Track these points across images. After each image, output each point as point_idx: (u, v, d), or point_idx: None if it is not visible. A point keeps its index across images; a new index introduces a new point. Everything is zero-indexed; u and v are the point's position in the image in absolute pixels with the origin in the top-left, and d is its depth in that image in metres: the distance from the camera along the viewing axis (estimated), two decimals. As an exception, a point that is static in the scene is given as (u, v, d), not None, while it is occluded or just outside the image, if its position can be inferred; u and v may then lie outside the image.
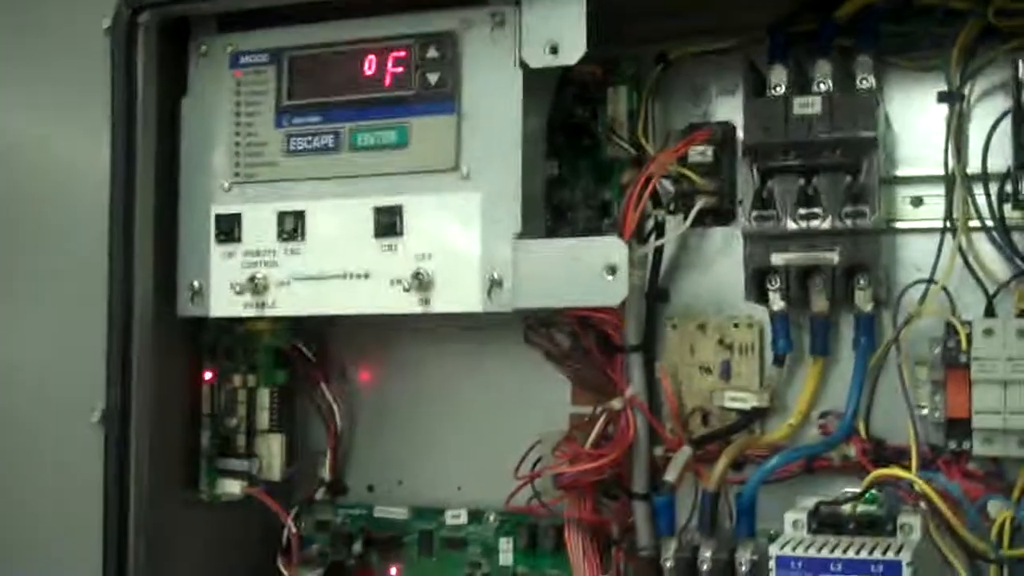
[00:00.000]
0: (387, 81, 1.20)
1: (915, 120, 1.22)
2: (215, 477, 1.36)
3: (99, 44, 1.24)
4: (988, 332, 1.10)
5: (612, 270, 1.09)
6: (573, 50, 1.11)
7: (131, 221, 1.23)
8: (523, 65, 1.14)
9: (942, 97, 1.17)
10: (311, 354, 1.43)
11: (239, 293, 1.23)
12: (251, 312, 1.24)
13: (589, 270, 1.10)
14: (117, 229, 1.23)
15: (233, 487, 1.36)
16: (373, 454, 1.46)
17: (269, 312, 1.24)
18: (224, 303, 1.25)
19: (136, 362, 1.23)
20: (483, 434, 1.39)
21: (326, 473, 1.44)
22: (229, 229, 1.25)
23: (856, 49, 1.19)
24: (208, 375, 1.37)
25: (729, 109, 1.29)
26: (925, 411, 1.15)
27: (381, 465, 1.45)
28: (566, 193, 1.32)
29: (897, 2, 1.17)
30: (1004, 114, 1.11)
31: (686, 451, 1.21)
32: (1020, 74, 1.03)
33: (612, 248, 1.10)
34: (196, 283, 1.26)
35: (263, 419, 1.39)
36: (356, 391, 1.47)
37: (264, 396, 1.39)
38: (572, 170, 1.32)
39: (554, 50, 1.12)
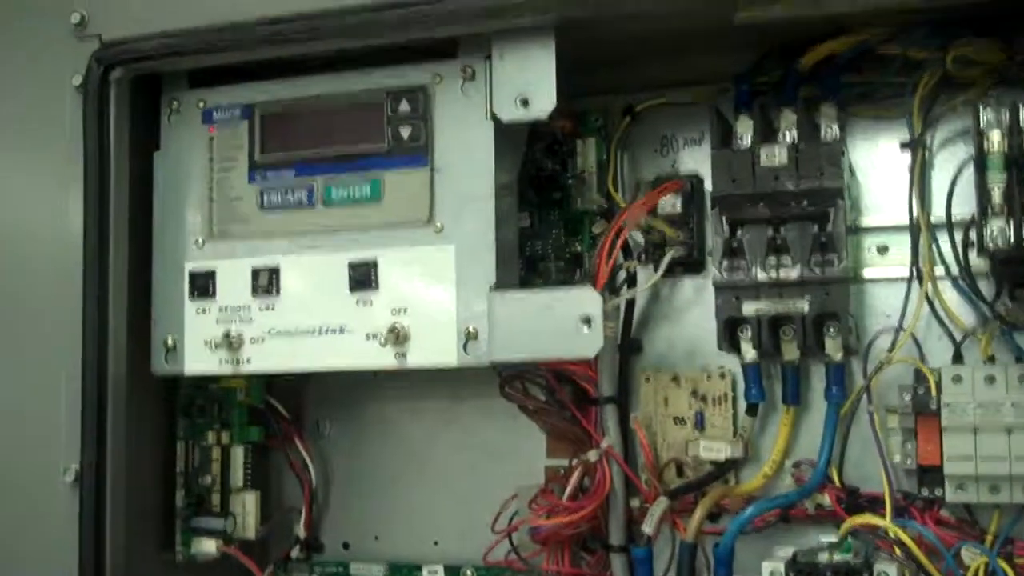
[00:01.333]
0: (360, 135, 1.21)
1: (879, 169, 1.25)
2: (190, 536, 1.35)
3: (70, 99, 1.25)
4: (957, 379, 1.12)
5: (587, 321, 1.10)
6: (544, 104, 1.13)
7: (104, 278, 1.23)
8: (495, 119, 1.15)
9: (905, 146, 1.19)
10: (285, 410, 1.43)
11: (214, 350, 1.23)
12: (226, 369, 1.24)
13: (564, 322, 1.11)
14: (91, 286, 1.22)
15: (208, 546, 1.34)
16: (349, 510, 1.45)
17: (244, 369, 1.23)
18: (199, 360, 1.25)
19: (111, 421, 1.23)
20: (459, 488, 1.39)
21: (301, 530, 1.43)
22: (203, 285, 1.25)
23: (820, 99, 1.21)
24: (182, 433, 1.36)
25: (697, 159, 1.31)
26: (897, 458, 1.16)
27: (357, 521, 1.44)
28: (538, 245, 1.34)
29: (858, 52, 1.19)
30: (966, 162, 1.13)
31: (663, 502, 1.21)
32: (981, 123, 1.05)
33: (587, 299, 1.10)
34: (170, 340, 1.26)
35: (237, 477, 1.39)
36: (331, 447, 1.46)
37: (238, 453, 1.39)
38: (543, 222, 1.34)
39: (525, 103, 1.13)
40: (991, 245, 1.04)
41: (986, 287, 1.16)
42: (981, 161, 1.05)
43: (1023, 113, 1.05)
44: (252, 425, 1.40)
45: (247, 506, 1.38)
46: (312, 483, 1.43)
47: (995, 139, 1.04)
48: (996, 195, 1.04)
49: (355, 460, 1.45)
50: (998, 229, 1.04)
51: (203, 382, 1.36)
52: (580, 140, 1.32)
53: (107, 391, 1.23)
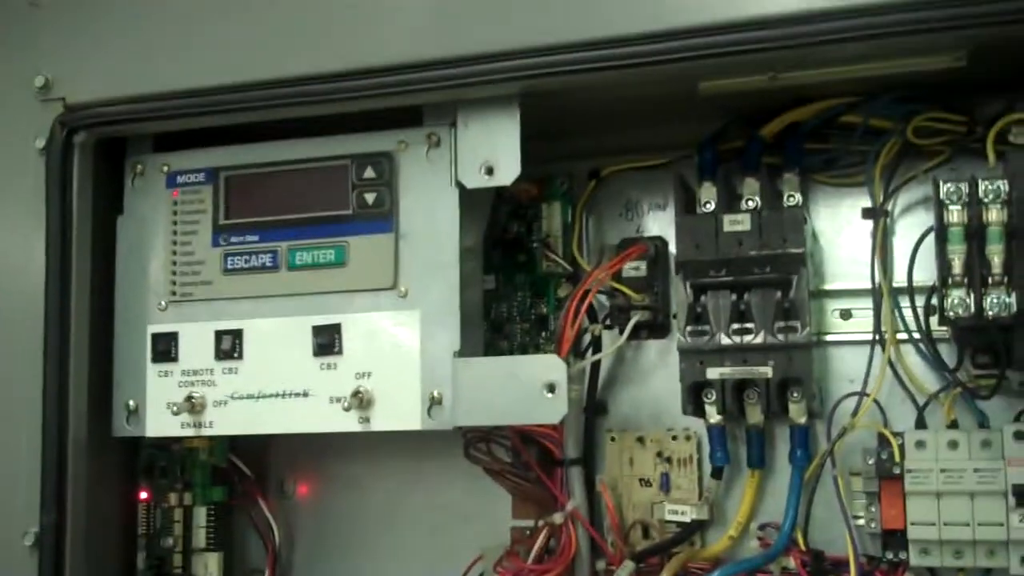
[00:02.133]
0: (325, 201, 1.21)
1: (841, 235, 1.26)
2: (151, 600, 1.33)
3: (33, 162, 1.24)
4: (920, 444, 1.13)
5: (551, 388, 1.10)
6: (509, 171, 1.13)
7: (66, 340, 1.22)
8: (459, 185, 1.15)
9: (866, 213, 1.20)
10: (249, 469, 1.42)
11: (176, 413, 1.22)
12: (188, 432, 1.23)
13: (529, 388, 1.11)
14: (52, 348, 1.21)
15: (170, 608, 1.33)
16: (313, 571, 1.44)
17: (206, 432, 1.23)
18: (161, 423, 1.24)
19: (71, 483, 1.21)
20: (424, 549, 1.39)
21: (265, 591, 1.41)
22: (166, 348, 1.24)
23: (783, 166, 1.22)
24: (143, 495, 1.35)
25: (661, 223, 1.32)
26: (861, 522, 1.16)
27: (321, 582, 1.43)
28: (503, 307, 1.34)
29: (820, 121, 1.21)
30: (927, 231, 1.14)
31: (629, 565, 1.20)
32: (941, 194, 1.06)
33: (551, 366, 1.11)
34: (132, 403, 1.25)
35: (200, 537, 1.38)
36: (295, 507, 1.45)
37: (201, 515, 1.38)
38: (508, 284, 1.35)
39: (490, 171, 1.14)
40: (952, 314, 1.06)
41: (947, 351, 1.17)
42: (941, 232, 1.06)
43: (981, 186, 1.06)
44: (215, 485, 1.39)
45: (209, 567, 1.37)
46: (276, 543, 1.42)
47: (954, 211, 1.06)
48: (956, 265, 1.06)
49: (319, 520, 1.44)
50: (959, 299, 1.06)
51: (165, 442, 1.35)
52: (545, 204, 1.33)
53: (67, 453, 1.22)
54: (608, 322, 1.28)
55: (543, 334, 1.33)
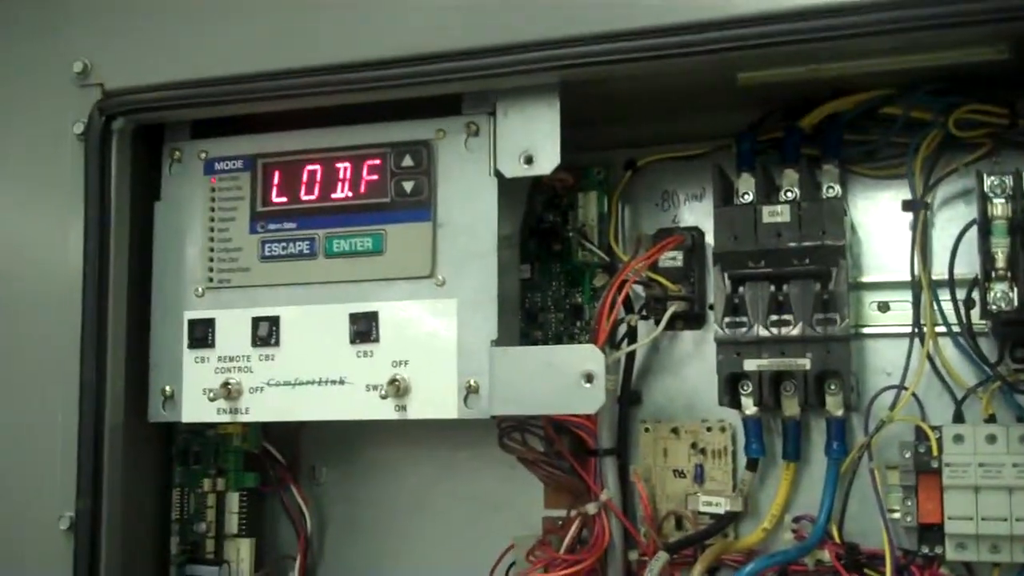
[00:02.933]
0: (363, 188, 1.21)
1: (880, 226, 1.25)
2: (184, 584, 1.34)
3: (71, 147, 1.25)
4: (958, 438, 1.12)
5: (589, 378, 1.10)
6: (548, 161, 1.13)
7: (103, 326, 1.23)
8: (498, 174, 1.15)
9: (906, 206, 1.19)
10: (281, 456, 1.42)
11: (212, 399, 1.23)
12: (224, 418, 1.24)
13: (566, 377, 1.11)
14: (89, 334, 1.22)
15: (203, 594, 1.34)
16: (344, 558, 1.44)
17: (242, 418, 1.23)
18: (197, 409, 1.24)
19: (107, 468, 1.22)
20: (456, 537, 1.39)
21: (296, 578, 1.42)
22: (202, 335, 1.25)
23: (822, 158, 1.22)
24: (178, 480, 1.36)
25: (697, 214, 1.32)
26: (897, 515, 1.16)
27: (352, 569, 1.43)
28: (538, 296, 1.34)
29: (860, 112, 1.20)
30: (970, 224, 1.14)
31: (663, 556, 1.20)
32: (985, 187, 1.06)
33: (589, 356, 1.10)
34: (168, 388, 1.25)
35: (232, 523, 1.38)
36: (327, 493, 1.46)
37: (233, 500, 1.38)
38: (544, 274, 1.34)
39: (529, 160, 1.14)
40: (994, 307, 1.06)
41: (986, 345, 1.16)
42: (985, 225, 1.06)
43: (1026, 179, 1.06)
44: (248, 471, 1.39)
45: (241, 553, 1.38)
46: (308, 530, 1.42)
47: (999, 205, 1.06)
48: (1000, 259, 1.06)
49: (351, 507, 1.44)
50: (1001, 292, 1.06)
51: (200, 428, 1.36)
52: (581, 193, 1.33)
53: (103, 438, 1.22)
54: (644, 312, 1.28)
55: (577, 324, 1.33)
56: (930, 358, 1.18)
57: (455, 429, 1.32)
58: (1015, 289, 1.05)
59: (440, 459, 1.40)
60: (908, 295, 1.19)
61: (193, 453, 1.37)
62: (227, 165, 1.26)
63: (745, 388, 1.19)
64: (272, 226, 1.24)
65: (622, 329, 1.28)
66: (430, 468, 1.41)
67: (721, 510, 1.24)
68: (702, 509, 1.25)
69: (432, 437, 1.39)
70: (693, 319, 1.29)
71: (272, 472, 1.42)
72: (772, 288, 1.17)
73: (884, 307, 1.23)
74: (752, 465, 1.24)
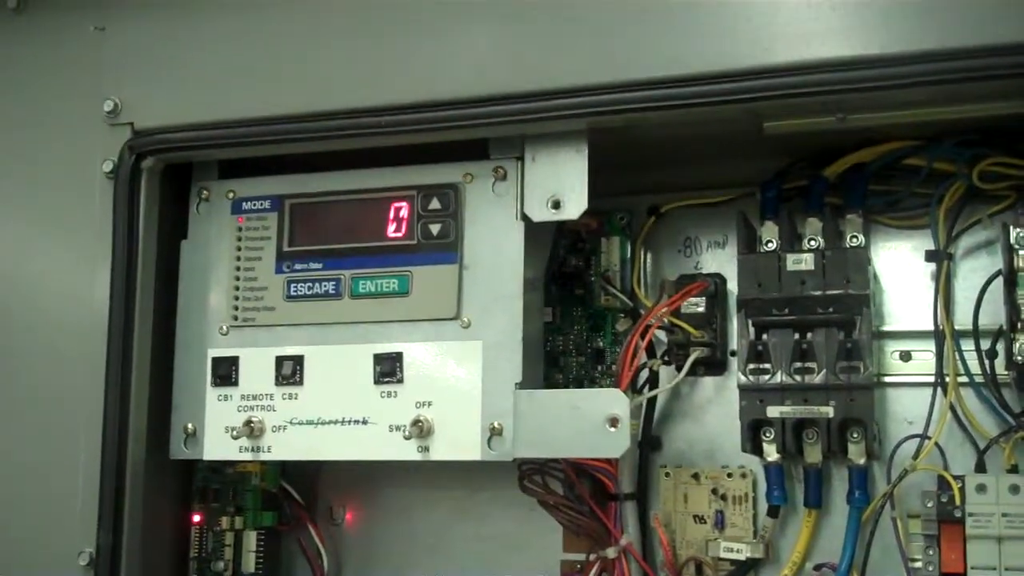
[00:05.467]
0: (389, 230, 1.22)
1: (902, 277, 1.26)
2: (202, 623, 1.34)
3: (100, 185, 1.26)
4: (981, 488, 1.12)
5: (614, 422, 1.10)
6: (576, 206, 1.14)
7: (128, 362, 1.23)
8: (525, 218, 1.16)
9: (929, 256, 1.20)
10: (299, 495, 1.42)
11: (235, 437, 1.23)
12: (246, 456, 1.24)
13: (590, 422, 1.11)
14: (113, 370, 1.23)
15: (220, 633, 1.34)
16: (360, 598, 1.44)
17: (264, 456, 1.24)
18: (219, 447, 1.25)
19: (128, 504, 1.22)
20: (474, 580, 1.39)
21: (312, 618, 1.42)
22: (226, 373, 1.25)
23: (845, 207, 1.23)
24: (196, 518, 1.36)
25: (720, 261, 1.33)
26: (919, 565, 1.16)
27: (368, 610, 1.43)
28: (559, 340, 1.35)
29: (884, 162, 1.21)
30: (995, 275, 1.15)
31: (683, 602, 1.20)
32: (1012, 239, 1.07)
33: (614, 400, 1.11)
34: (190, 426, 1.26)
35: (249, 562, 1.38)
36: (344, 533, 1.45)
37: (251, 539, 1.38)
38: (566, 317, 1.35)
39: (556, 205, 1.15)
40: (1020, 358, 1.07)
41: (1009, 395, 1.17)
42: (1011, 277, 1.07)
43: (1052, 231, 1.07)
44: (266, 510, 1.39)
45: (258, 592, 1.37)
46: (324, 570, 1.42)
47: (1024, 256, 1.07)
48: (1025, 310, 1.06)
49: (369, 548, 1.44)
50: (1027, 343, 1.06)
51: (219, 465, 1.36)
52: (604, 238, 1.34)
53: (125, 474, 1.23)
54: (666, 358, 1.29)
55: (599, 368, 1.33)
56: (952, 408, 1.19)
57: (474, 471, 1.32)
58: (1041, 340, 1.06)
59: (459, 500, 1.40)
60: (929, 344, 1.20)
61: (212, 491, 1.37)
62: (254, 205, 1.27)
63: (767, 435, 1.20)
64: (298, 266, 1.25)
65: (644, 374, 1.29)
66: (448, 509, 1.41)
67: (742, 556, 1.24)
68: (723, 555, 1.25)
69: (451, 478, 1.39)
70: (715, 365, 1.30)
71: (290, 511, 1.42)
72: (796, 336, 1.18)
73: (906, 356, 1.24)
74: (774, 512, 1.24)
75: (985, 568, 1.11)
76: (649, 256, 1.36)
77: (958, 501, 1.13)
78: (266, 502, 1.40)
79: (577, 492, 1.27)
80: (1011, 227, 1.08)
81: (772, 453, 1.20)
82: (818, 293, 1.17)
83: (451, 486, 1.40)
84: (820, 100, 1.05)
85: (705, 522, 1.29)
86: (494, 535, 1.38)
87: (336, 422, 1.21)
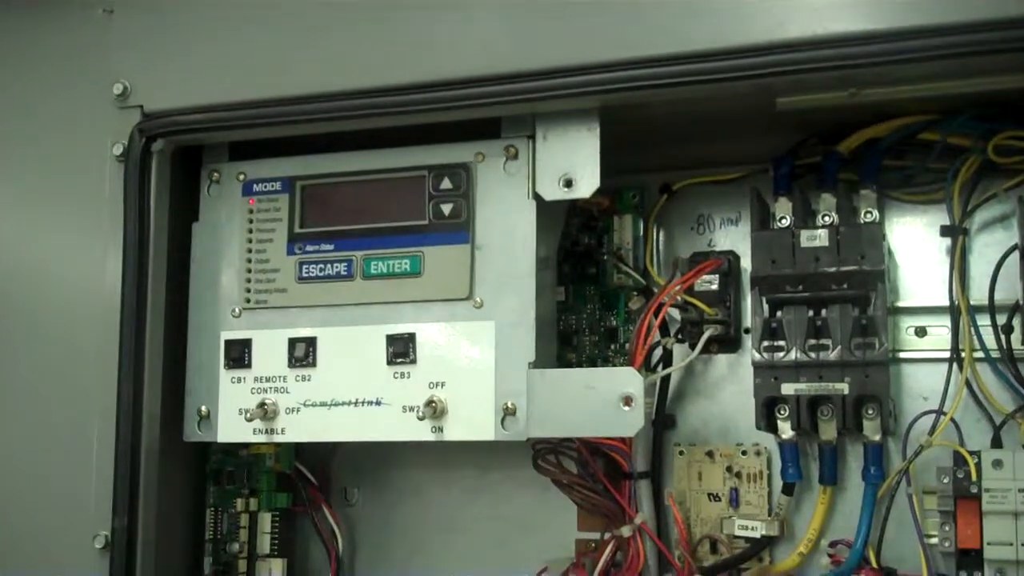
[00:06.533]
0: (401, 211, 1.21)
1: (917, 252, 1.26)
2: (217, 605, 1.35)
3: (110, 168, 1.26)
4: (997, 463, 1.12)
5: (628, 401, 1.10)
6: (588, 185, 1.14)
7: (141, 345, 1.23)
8: (537, 198, 1.16)
9: (945, 231, 1.20)
10: (313, 477, 1.42)
11: (249, 419, 1.23)
12: (260, 438, 1.24)
13: (604, 400, 1.11)
14: (126, 353, 1.22)
15: (235, 614, 1.34)
16: (375, 580, 1.44)
17: (278, 438, 1.23)
18: (232, 429, 1.25)
19: (143, 487, 1.22)
20: (488, 560, 1.39)
21: (328, 599, 1.42)
22: (239, 355, 1.25)
23: (859, 183, 1.22)
24: (211, 500, 1.36)
25: (733, 238, 1.32)
26: (935, 540, 1.16)
27: (384, 591, 1.44)
28: (572, 319, 1.35)
29: (898, 138, 1.20)
30: (1011, 249, 1.14)
31: (699, 581, 1.20)
32: (1027, 213, 1.07)
33: (628, 379, 1.11)
34: (204, 408, 1.26)
35: (264, 543, 1.39)
36: (358, 514, 1.46)
37: (266, 520, 1.39)
38: (578, 296, 1.35)
39: (568, 184, 1.14)
40: (1036, 332, 1.06)
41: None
42: (1026, 251, 1.06)
43: (1068, 205, 1.06)
44: (280, 491, 1.40)
45: (273, 573, 1.38)
46: (339, 551, 1.42)
47: (1041, 230, 1.06)
48: (1041, 284, 1.06)
49: (383, 528, 1.45)
50: (1043, 317, 1.06)
51: (233, 448, 1.37)
52: (617, 216, 1.33)
53: (140, 457, 1.22)
54: (680, 336, 1.28)
55: (612, 347, 1.33)
56: (968, 383, 1.18)
57: (488, 451, 1.33)
58: (1057, 314, 1.05)
59: (472, 481, 1.40)
60: (945, 320, 1.20)
61: (226, 473, 1.38)
62: (265, 187, 1.27)
63: (782, 412, 1.19)
64: (310, 247, 1.24)
65: (657, 352, 1.29)
66: (462, 490, 1.41)
67: (757, 534, 1.24)
68: (737, 533, 1.25)
69: (464, 459, 1.40)
70: (728, 343, 1.29)
71: (304, 493, 1.42)
72: (810, 312, 1.18)
73: (921, 332, 1.23)
74: (788, 489, 1.24)
75: (1001, 544, 1.11)
76: (662, 234, 1.36)
77: (974, 477, 1.12)
78: (280, 484, 1.40)
79: (591, 471, 1.27)
80: (1026, 201, 1.07)
81: (787, 430, 1.20)
82: (832, 269, 1.16)
83: (465, 466, 1.40)
84: (833, 75, 1.04)
85: (720, 500, 1.29)
86: (508, 515, 1.38)
87: (349, 403, 1.21)
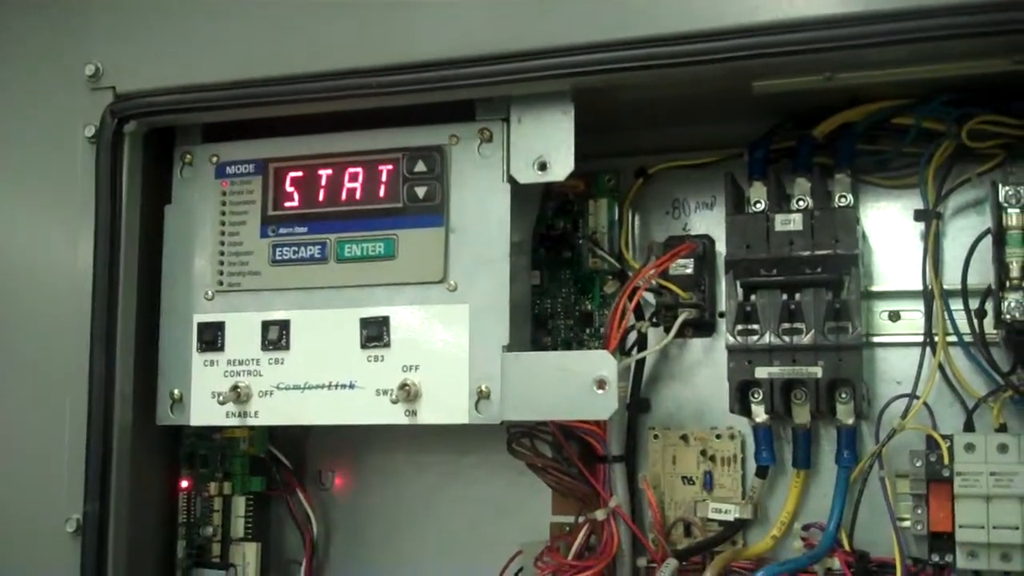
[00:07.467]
0: (375, 193, 1.21)
1: (891, 236, 1.26)
2: (191, 588, 1.34)
3: (82, 150, 1.25)
4: (969, 447, 1.12)
5: (602, 384, 1.10)
6: (562, 167, 1.13)
7: (112, 328, 1.22)
8: (512, 180, 1.15)
9: (918, 215, 1.20)
10: (287, 460, 1.42)
11: (222, 403, 1.23)
12: (233, 421, 1.23)
13: (578, 384, 1.11)
14: (98, 337, 1.22)
15: (208, 597, 1.34)
16: (349, 563, 1.44)
17: (251, 422, 1.23)
18: (205, 412, 1.24)
19: (114, 470, 1.22)
20: (463, 543, 1.39)
21: (302, 582, 1.42)
22: (212, 338, 1.24)
23: (834, 167, 1.22)
24: (184, 483, 1.36)
25: (708, 222, 1.32)
26: (907, 524, 1.16)
27: (358, 574, 1.43)
28: (547, 303, 1.34)
29: (873, 122, 1.20)
30: (983, 234, 1.15)
31: (672, 563, 1.20)
32: (1000, 197, 1.07)
33: (602, 362, 1.10)
34: (176, 392, 1.25)
35: (238, 527, 1.39)
36: (332, 498, 1.46)
37: (240, 504, 1.39)
38: (553, 280, 1.34)
39: (543, 167, 1.14)
40: (1008, 317, 1.06)
41: (998, 355, 1.17)
42: (999, 235, 1.06)
43: (1041, 190, 1.06)
44: (254, 475, 1.40)
45: (247, 557, 1.38)
46: (313, 535, 1.42)
47: (1013, 215, 1.06)
48: (1014, 269, 1.07)
49: (357, 512, 1.44)
50: (1016, 302, 1.07)
51: (206, 431, 1.36)
52: (592, 200, 1.33)
53: (112, 441, 1.22)
54: (655, 319, 1.28)
55: (587, 331, 1.33)
56: (941, 367, 1.19)
57: (462, 434, 1.32)
58: (1029, 299, 1.05)
59: (447, 464, 1.40)
60: (918, 304, 1.20)
61: (200, 456, 1.37)
62: (238, 169, 1.26)
63: (756, 396, 1.20)
64: (283, 230, 1.24)
65: (632, 336, 1.29)
66: (437, 473, 1.41)
67: (730, 517, 1.24)
68: (711, 516, 1.26)
69: (439, 442, 1.39)
70: (703, 327, 1.29)
71: (278, 476, 1.42)
72: (784, 296, 1.18)
73: (895, 316, 1.23)
74: (762, 473, 1.24)
75: (973, 527, 1.11)
76: (637, 218, 1.35)
77: (946, 460, 1.13)
78: (254, 467, 1.40)
79: (565, 454, 1.27)
80: (1000, 185, 1.07)
81: (760, 414, 1.20)
82: (806, 253, 1.17)
83: (439, 450, 1.40)
84: (806, 59, 1.04)
85: (694, 483, 1.29)
86: (482, 498, 1.38)
87: (323, 386, 1.20)
